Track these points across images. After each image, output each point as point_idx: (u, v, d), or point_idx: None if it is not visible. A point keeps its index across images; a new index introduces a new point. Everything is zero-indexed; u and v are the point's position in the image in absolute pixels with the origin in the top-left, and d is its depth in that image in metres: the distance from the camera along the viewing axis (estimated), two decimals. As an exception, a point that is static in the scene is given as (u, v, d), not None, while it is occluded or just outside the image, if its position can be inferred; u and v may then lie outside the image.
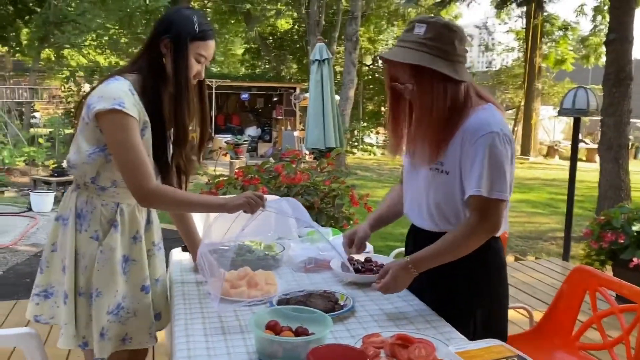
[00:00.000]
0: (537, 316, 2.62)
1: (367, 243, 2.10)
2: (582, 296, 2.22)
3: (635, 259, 4.13)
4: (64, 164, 1.86)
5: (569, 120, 14.07)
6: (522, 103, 18.29)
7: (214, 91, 15.02)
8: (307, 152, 8.99)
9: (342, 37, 16.14)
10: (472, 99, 1.73)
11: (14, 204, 8.09)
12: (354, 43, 13.15)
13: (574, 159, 5.42)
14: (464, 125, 1.70)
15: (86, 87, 15.38)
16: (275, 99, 18.77)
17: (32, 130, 13.81)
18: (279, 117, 17.46)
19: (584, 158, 15.93)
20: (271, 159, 9.69)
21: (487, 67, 23.41)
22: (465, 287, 1.80)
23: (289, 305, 1.67)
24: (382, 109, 19.64)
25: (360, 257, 2.16)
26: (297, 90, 16.64)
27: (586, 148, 16.26)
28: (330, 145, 8.44)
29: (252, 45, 23.13)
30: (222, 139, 13.58)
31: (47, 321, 1.90)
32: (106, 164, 1.77)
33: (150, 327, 1.89)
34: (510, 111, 19.56)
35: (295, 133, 14.07)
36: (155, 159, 1.82)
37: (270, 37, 22.65)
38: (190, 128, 1.89)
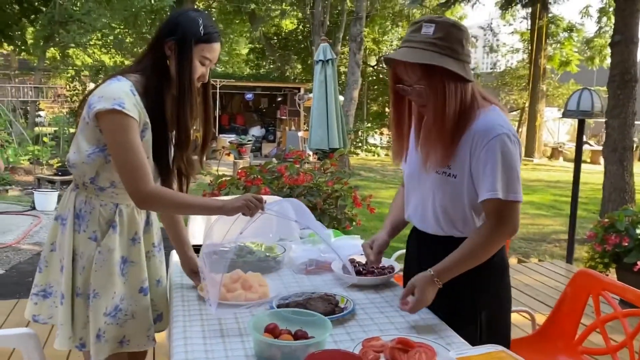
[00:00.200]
0: (540, 319, 2.60)
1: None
2: (585, 300, 2.21)
3: (639, 262, 4.11)
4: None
5: (574, 122, 13.99)
6: (527, 104, 18.20)
7: (218, 91, 15.05)
8: (311, 153, 8.97)
9: (347, 37, 16.12)
10: (477, 100, 1.70)
11: (17, 202, 8.10)
12: (358, 44, 13.15)
13: (578, 160, 5.39)
14: (472, 128, 1.66)
15: (91, 87, 15.40)
16: (279, 99, 18.81)
17: (36, 129, 13.82)
18: (283, 117, 17.49)
19: (589, 160, 15.88)
20: (274, 159, 9.68)
21: (491, 69, 23.29)
22: (468, 290, 1.77)
23: (288, 308, 1.65)
24: (387, 109, 19.65)
25: (362, 259, 2.14)
26: (302, 91, 16.62)
27: (591, 150, 16.19)
28: (333, 146, 8.42)
29: (257, 45, 23.13)
30: (226, 139, 13.57)
31: (46, 321, 1.89)
32: (105, 165, 1.75)
33: (148, 329, 1.88)
34: (514, 112, 19.50)
35: (300, 133, 14.04)
36: (155, 161, 1.81)
37: (275, 37, 22.66)
38: (194, 128, 1.87)
